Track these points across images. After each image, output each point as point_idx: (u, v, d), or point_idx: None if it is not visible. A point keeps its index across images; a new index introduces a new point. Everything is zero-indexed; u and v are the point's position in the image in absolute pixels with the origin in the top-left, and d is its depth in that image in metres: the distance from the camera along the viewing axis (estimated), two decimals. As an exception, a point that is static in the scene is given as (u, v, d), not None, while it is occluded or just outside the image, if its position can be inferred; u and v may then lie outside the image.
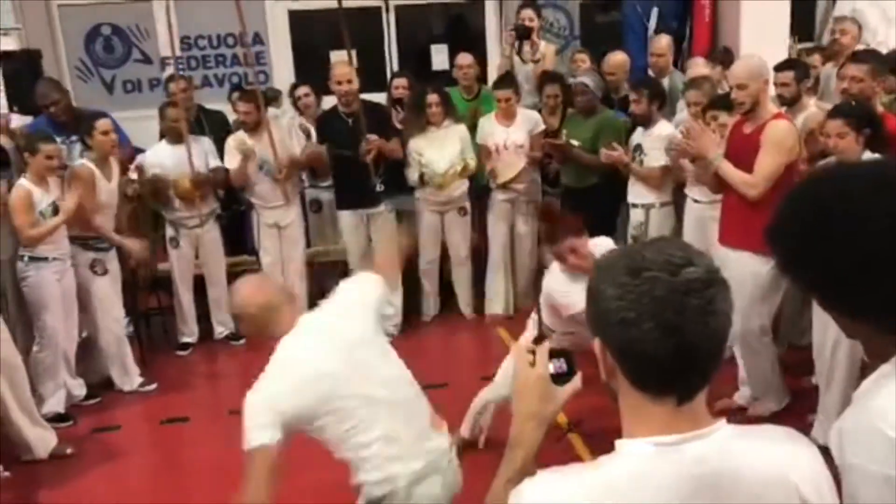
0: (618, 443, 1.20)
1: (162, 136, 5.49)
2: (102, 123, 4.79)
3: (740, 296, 4.05)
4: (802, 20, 7.02)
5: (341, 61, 5.44)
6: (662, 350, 1.12)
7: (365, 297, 2.64)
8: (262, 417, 2.27)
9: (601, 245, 3.63)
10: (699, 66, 5.54)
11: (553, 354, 1.40)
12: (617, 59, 5.84)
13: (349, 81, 5.27)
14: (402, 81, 6.06)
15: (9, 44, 6.62)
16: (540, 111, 5.74)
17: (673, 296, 1.11)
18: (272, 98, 6.38)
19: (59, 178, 4.63)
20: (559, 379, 1.39)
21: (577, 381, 1.39)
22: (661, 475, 1.14)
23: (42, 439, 4.20)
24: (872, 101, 4.08)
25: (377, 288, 2.69)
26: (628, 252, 1.19)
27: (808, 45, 6.85)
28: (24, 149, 4.49)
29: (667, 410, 1.17)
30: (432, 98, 5.43)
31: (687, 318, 1.11)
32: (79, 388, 4.81)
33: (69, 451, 4.26)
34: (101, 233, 4.78)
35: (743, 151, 4.01)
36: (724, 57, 5.91)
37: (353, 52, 5.43)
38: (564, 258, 3.66)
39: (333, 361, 2.40)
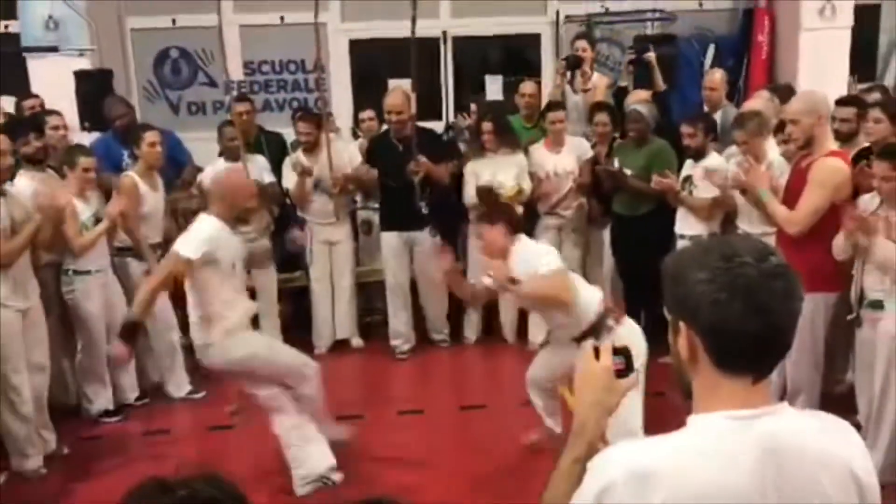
0: (690, 418, 1.30)
1: (221, 154, 5.69)
2: (150, 135, 4.99)
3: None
4: (863, 59, 6.95)
5: (395, 91, 5.65)
6: (752, 328, 1.22)
7: None
8: None
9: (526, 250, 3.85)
10: (762, 99, 5.48)
11: (615, 352, 1.51)
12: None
13: (399, 112, 5.48)
14: (472, 107, 6.27)
15: (83, 64, 6.92)
16: (593, 146, 5.80)
17: (763, 279, 1.23)
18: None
19: (99, 192, 4.83)
20: (619, 375, 1.49)
21: (634, 378, 1.50)
22: (736, 446, 1.24)
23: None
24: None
25: None
26: (716, 242, 1.32)
27: (868, 84, 6.78)
28: (64, 162, 4.67)
29: (743, 387, 1.27)
30: (486, 126, 5.55)
31: (775, 300, 1.23)
32: (131, 391, 4.99)
33: (66, 450, 4.42)
34: (138, 244, 4.91)
35: (796, 186, 4.01)
36: (783, 92, 5.82)
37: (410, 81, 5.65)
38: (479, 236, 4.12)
39: None
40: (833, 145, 4.02)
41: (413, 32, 5.44)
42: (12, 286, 4.00)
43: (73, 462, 4.37)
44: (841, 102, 4.60)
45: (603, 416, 1.47)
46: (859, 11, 6.78)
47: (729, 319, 1.22)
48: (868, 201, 3.80)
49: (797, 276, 1.28)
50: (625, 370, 1.49)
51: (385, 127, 5.90)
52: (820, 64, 6.62)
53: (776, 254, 1.28)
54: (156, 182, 5.08)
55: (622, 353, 1.50)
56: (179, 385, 5.15)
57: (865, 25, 6.78)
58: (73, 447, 4.48)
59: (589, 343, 1.54)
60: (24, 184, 4.37)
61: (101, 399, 4.80)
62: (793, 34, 6.87)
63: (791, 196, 4.03)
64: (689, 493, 1.21)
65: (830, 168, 3.84)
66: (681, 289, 1.28)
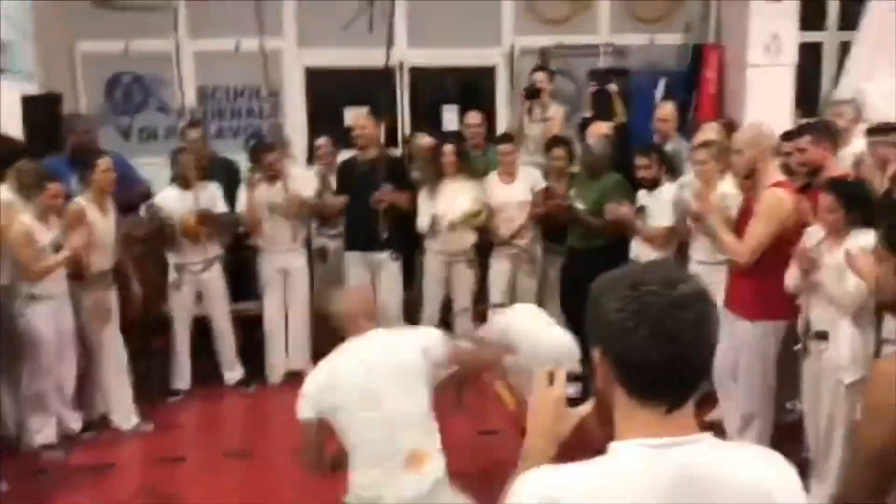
0: (611, 445, 1.28)
1: (173, 180, 5.60)
2: (104, 161, 4.91)
3: (742, 363, 4.09)
4: (808, 95, 7.21)
5: (363, 114, 5.90)
6: (658, 356, 1.21)
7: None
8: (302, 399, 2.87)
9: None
10: (711, 131, 5.61)
11: (569, 379, 1.50)
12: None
13: (363, 127, 5.67)
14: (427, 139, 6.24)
15: (30, 88, 6.76)
16: (546, 175, 5.85)
17: (669, 308, 1.22)
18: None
19: (59, 219, 4.70)
20: (572, 402, 1.49)
21: (587, 406, 1.50)
22: (648, 474, 1.22)
23: None
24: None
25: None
26: (630, 270, 1.33)
27: (811, 120, 6.99)
28: (30, 186, 4.52)
29: (657, 416, 1.26)
30: (448, 148, 5.60)
31: (682, 328, 1.21)
32: (75, 422, 4.83)
33: (4, 487, 4.23)
34: (85, 273, 4.76)
35: (746, 217, 4.10)
36: (730, 127, 5.95)
37: (366, 110, 5.94)
38: None
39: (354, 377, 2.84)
40: (779, 177, 4.09)
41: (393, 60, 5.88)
42: None
43: (12, 499, 4.18)
44: (786, 136, 4.73)
45: (550, 445, 1.46)
46: (804, 49, 7.01)
47: (634, 348, 1.22)
48: (814, 233, 3.85)
49: (710, 302, 1.27)
50: (579, 398, 1.50)
51: (345, 154, 5.97)
52: (766, 99, 6.82)
53: (688, 281, 1.26)
54: (107, 207, 4.97)
55: (577, 380, 1.51)
56: (127, 416, 5.00)
57: (809, 62, 7.03)
58: (12, 483, 4.28)
59: (543, 369, 1.52)
60: None
61: (45, 430, 4.62)
62: (740, 70, 7.07)
63: (740, 226, 4.12)
64: None
65: (775, 199, 3.91)
66: (595, 316, 1.29)
